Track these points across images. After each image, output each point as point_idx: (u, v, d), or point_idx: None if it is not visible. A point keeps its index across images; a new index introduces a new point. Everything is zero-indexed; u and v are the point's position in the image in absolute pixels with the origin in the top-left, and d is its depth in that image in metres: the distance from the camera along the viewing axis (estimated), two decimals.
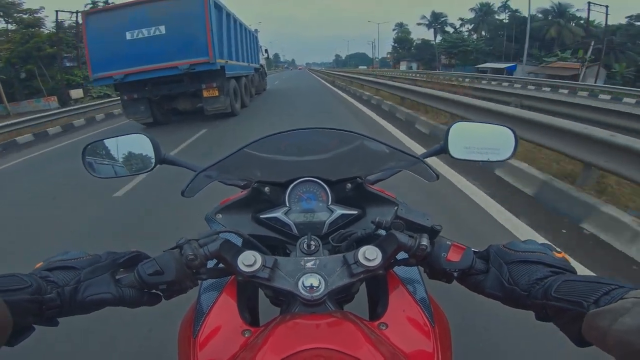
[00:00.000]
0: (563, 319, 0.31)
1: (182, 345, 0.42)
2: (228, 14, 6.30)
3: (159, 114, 6.07)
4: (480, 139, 0.56)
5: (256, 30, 10.34)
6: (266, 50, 12.94)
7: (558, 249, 0.36)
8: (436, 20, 42.05)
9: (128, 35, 5.02)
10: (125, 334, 1.20)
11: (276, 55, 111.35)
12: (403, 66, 45.02)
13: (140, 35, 5.03)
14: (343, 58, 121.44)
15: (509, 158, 0.56)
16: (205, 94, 5.68)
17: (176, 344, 0.44)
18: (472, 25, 38.40)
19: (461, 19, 40.23)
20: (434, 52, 40.31)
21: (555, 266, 0.34)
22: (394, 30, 52.62)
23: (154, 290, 0.38)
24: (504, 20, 35.54)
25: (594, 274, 0.39)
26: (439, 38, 40.99)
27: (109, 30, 5.02)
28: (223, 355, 0.37)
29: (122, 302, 0.36)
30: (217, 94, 5.69)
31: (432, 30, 41.81)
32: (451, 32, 40.67)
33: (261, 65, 11.16)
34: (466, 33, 38.96)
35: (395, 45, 51.07)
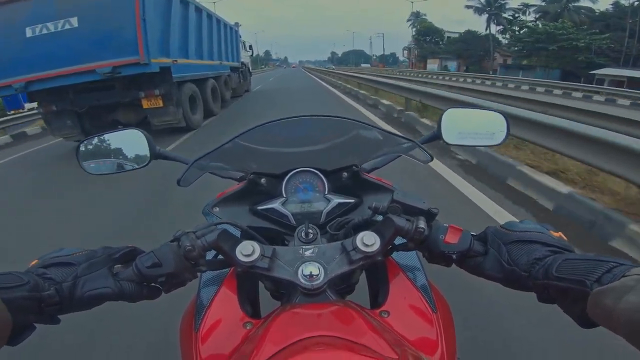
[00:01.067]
0: (566, 299, 0.33)
1: (183, 339, 0.46)
2: (185, 2, 5.36)
3: (94, 129, 4.81)
4: (473, 125, 0.62)
5: (237, 24, 9.47)
6: (250, 47, 12.04)
7: (554, 229, 0.39)
8: (491, 5, 31.87)
9: (28, 32, 3.99)
10: (126, 329, 1.24)
11: (267, 53, 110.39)
12: (433, 65, 35.27)
13: (45, 31, 3.99)
14: (339, 55, 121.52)
15: (501, 142, 0.62)
16: (145, 104, 4.62)
17: (178, 338, 0.47)
18: (539, 13, 29.02)
19: (524, 5, 30.34)
20: (486, 47, 31.23)
21: (554, 245, 0.36)
22: (408, 21, 45.77)
23: (153, 284, 0.40)
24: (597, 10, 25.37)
25: (592, 254, 0.34)
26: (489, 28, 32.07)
27: (1, 27, 4.06)
28: (225, 348, 0.40)
29: (121, 297, 0.39)
30: (161, 104, 4.67)
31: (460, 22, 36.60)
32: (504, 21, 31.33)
33: (243, 64, 10.42)
34: (531, 23, 28.37)
35: (420, 38, 41.11)
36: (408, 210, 0.41)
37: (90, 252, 0.40)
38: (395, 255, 0.48)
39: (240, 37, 9.99)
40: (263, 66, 74.73)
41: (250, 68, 12.48)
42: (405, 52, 49.54)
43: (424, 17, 45.39)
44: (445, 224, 0.41)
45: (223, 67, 7.73)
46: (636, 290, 0.27)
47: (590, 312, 0.30)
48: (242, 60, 10.21)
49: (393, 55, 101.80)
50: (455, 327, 0.46)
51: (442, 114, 0.61)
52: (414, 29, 43.89)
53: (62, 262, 0.38)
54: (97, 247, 0.41)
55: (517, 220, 0.41)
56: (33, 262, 0.38)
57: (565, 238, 0.38)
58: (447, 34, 39.94)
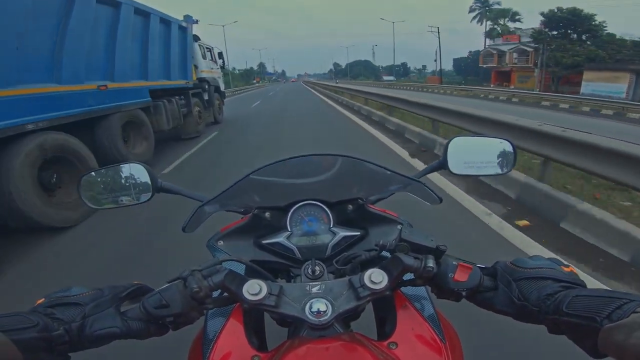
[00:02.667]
0: (577, 333, 0.38)
1: None
2: None
3: None
4: (479, 153, 0.69)
5: (188, 18, 7.00)
6: (220, 55, 9.40)
7: (566, 263, 0.44)
8: None
9: None
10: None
11: (262, 66, 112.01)
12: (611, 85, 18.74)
13: None
14: (343, 67, 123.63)
15: (508, 171, 0.68)
16: None
17: None
18: None
19: None
20: None
21: (565, 280, 0.41)
22: (471, 12, 39.38)
23: (161, 322, 0.46)
24: None
25: (604, 288, 0.42)
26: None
27: None
28: None
29: (129, 335, 0.45)
30: None
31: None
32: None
33: (203, 82, 7.96)
34: None
35: (541, 35, 25.26)
36: (416, 248, 0.46)
37: (97, 292, 0.46)
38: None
39: (195, 40, 7.51)
40: (256, 82, 73.90)
41: (223, 86, 9.93)
42: (496, 55, 32.28)
43: (496, 4, 37.42)
44: (454, 262, 0.46)
45: (132, 95, 4.76)
46: None
47: (602, 347, 0.35)
48: (203, 75, 7.95)
49: (404, 65, 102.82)
50: (464, 357, 0.51)
51: (448, 143, 0.69)
52: (491, 24, 35.18)
53: (69, 302, 0.43)
54: (103, 285, 0.47)
55: (528, 256, 0.46)
56: (39, 301, 0.44)
57: (576, 272, 0.43)
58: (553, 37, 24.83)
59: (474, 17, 40.72)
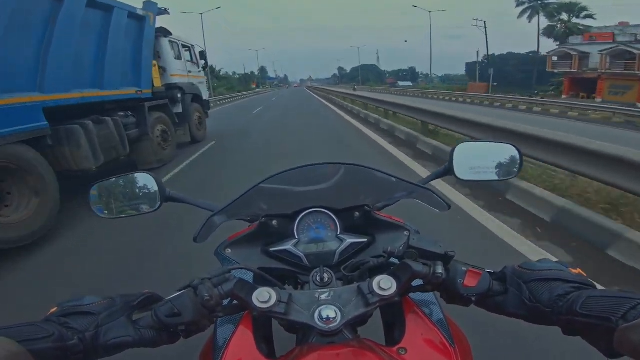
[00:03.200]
0: (592, 334, 0.40)
1: None
2: None
3: None
4: (485, 159, 0.72)
5: (150, 4, 5.40)
6: (202, 54, 7.77)
7: (573, 266, 0.47)
8: None
9: None
10: None
11: (263, 70, 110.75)
12: None
13: None
14: (348, 71, 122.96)
15: (514, 176, 0.72)
16: None
17: None
18: None
19: None
20: None
21: (575, 282, 0.44)
22: (519, 5, 33.50)
23: (172, 330, 0.49)
24: None
25: (616, 289, 0.44)
26: None
27: None
28: None
29: (142, 344, 0.47)
30: None
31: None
32: None
33: (174, 90, 6.37)
34: None
35: None
36: (425, 255, 0.49)
37: (110, 301, 0.48)
38: None
39: (164, 35, 6.12)
40: (257, 87, 73.70)
41: (207, 94, 8.22)
42: (576, 58, 25.04)
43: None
44: (463, 268, 0.49)
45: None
46: None
47: (618, 347, 0.37)
48: (175, 81, 6.41)
49: (412, 70, 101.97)
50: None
51: (453, 148, 0.72)
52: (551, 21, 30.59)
53: (83, 312, 0.46)
54: (115, 294, 0.50)
55: (535, 260, 0.49)
56: (53, 309, 0.46)
57: (584, 274, 0.46)
58: None
59: (523, 13, 34.43)
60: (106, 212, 0.74)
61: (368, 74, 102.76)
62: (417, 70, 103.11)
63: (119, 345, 0.45)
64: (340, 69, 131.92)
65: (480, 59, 41.17)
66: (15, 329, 0.41)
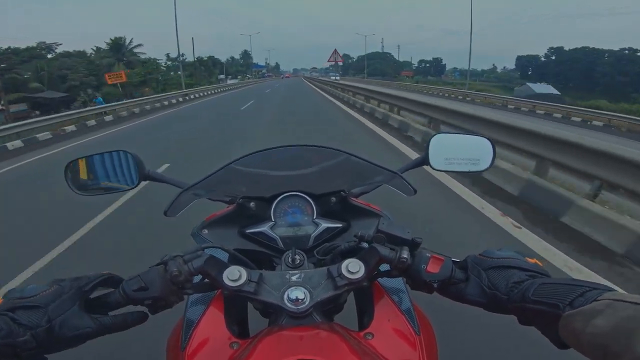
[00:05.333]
0: (541, 321, 0.50)
1: (170, 357, 0.69)
2: None
3: None
4: (460, 150, 0.92)
5: None
6: None
7: (530, 256, 0.60)
8: None
9: None
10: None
11: (246, 55, 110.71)
12: None
13: None
14: (355, 59, 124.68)
15: (487, 168, 0.92)
16: None
17: (164, 356, 0.71)
18: None
19: None
20: None
21: (531, 270, 0.57)
22: None
23: (139, 306, 0.61)
24: None
25: (570, 277, 0.54)
26: None
27: None
28: None
29: (105, 332, 0.57)
30: None
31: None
32: None
33: None
34: None
35: None
36: (393, 240, 0.63)
37: (57, 289, 0.56)
38: (381, 278, 0.71)
39: None
40: (225, 76, 71.93)
41: None
42: None
43: None
44: (427, 254, 0.62)
45: None
46: (604, 314, 0.41)
47: (562, 334, 0.46)
48: None
49: (438, 61, 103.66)
50: (438, 349, 0.70)
51: (430, 139, 0.92)
52: None
53: (28, 305, 0.52)
54: (65, 278, 0.58)
55: (496, 249, 0.63)
56: None
57: (540, 264, 0.59)
58: None
59: None
60: (83, 189, 0.91)
61: (380, 64, 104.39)
62: (443, 62, 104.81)
63: (77, 337, 0.54)
64: (346, 55, 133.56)
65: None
66: None
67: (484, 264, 0.60)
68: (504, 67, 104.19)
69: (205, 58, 69.30)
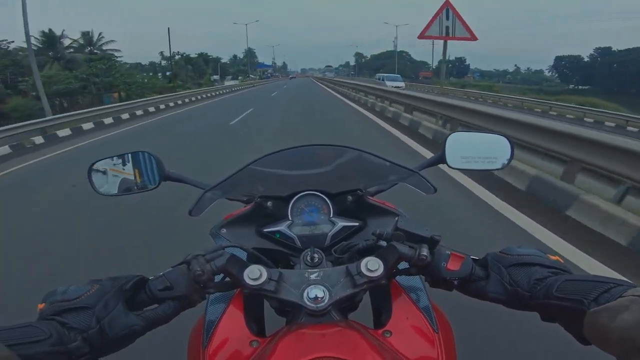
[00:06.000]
0: (565, 317, 0.55)
1: (191, 355, 0.77)
2: None
3: None
4: (476, 148, 1.00)
5: None
6: None
7: (552, 253, 0.66)
8: None
9: None
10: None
11: (250, 54, 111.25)
12: None
13: None
14: (368, 57, 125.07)
15: (505, 166, 1.00)
16: None
17: (185, 354, 0.79)
18: None
19: None
20: None
21: (553, 267, 0.62)
22: None
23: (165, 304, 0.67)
24: None
25: (593, 274, 0.56)
26: None
27: None
28: None
29: (151, 326, 0.63)
30: None
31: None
32: None
33: None
34: None
35: None
36: (411, 238, 0.69)
37: (99, 288, 0.61)
38: (398, 276, 0.77)
39: None
40: (219, 77, 68.98)
41: None
42: None
43: None
44: (447, 251, 0.69)
45: None
46: (631, 310, 0.44)
47: (586, 330, 0.50)
48: None
49: (461, 61, 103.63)
50: (456, 348, 0.77)
51: (446, 138, 1.00)
52: None
53: (77, 307, 0.57)
54: (103, 278, 0.64)
55: (516, 247, 0.68)
56: (40, 306, 0.58)
57: (562, 261, 0.64)
58: None
59: None
60: (106, 189, 1.01)
61: (396, 64, 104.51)
62: (466, 62, 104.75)
63: (128, 336, 0.60)
64: (358, 54, 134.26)
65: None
66: (5, 331, 0.49)
67: (505, 261, 0.65)
68: (528, 68, 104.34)
69: (195, 55, 66.38)
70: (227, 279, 0.70)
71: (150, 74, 54.39)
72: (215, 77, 68.17)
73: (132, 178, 1.01)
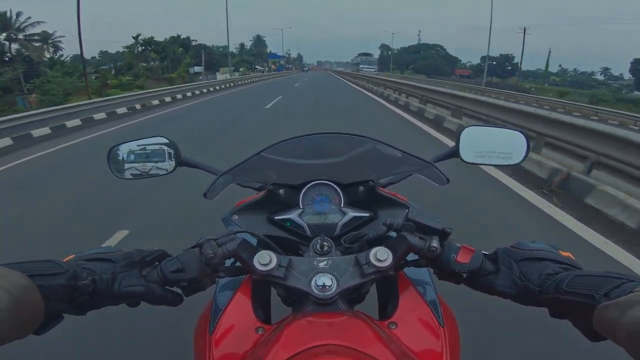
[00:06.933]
0: (575, 313, 0.61)
1: (198, 340, 0.87)
2: None
3: None
4: (492, 143, 1.11)
5: None
6: None
7: (563, 249, 0.73)
8: None
9: None
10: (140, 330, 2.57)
11: (259, 42, 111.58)
12: None
13: None
14: (396, 51, 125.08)
15: (520, 162, 1.11)
16: None
17: (192, 339, 0.90)
18: None
19: None
20: None
21: (564, 262, 0.69)
22: None
23: (174, 288, 0.77)
24: None
25: (603, 270, 0.61)
26: None
27: None
28: (237, 351, 0.76)
29: (149, 297, 0.74)
30: None
31: None
32: None
33: None
34: None
35: None
36: (422, 229, 0.77)
37: (127, 253, 0.76)
38: (406, 269, 0.87)
39: None
40: (203, 69, 59.95)
41: None
42: None
43: None
44: (457, 244, 0.77)
45: None
46: None
47: (596, 325, 0.55)
48: None
49: (508, 59, 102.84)
50: (461, 342, 0.86)
51: (461, 132, 1.12)
52: None
53: (103, 258, 0.73)
54: (132, 249, 0.78)
55: (528, 241, 0.76)
56: (69, 257, 0.72)
57: (573, 258, 0.72)
58: None
59: None
60: (124, 172, 1.17)
61: (428, 59, 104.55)
62: (514, 60, 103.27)
63: (129, 294, 0.72)
64: (384, 47, 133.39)
65: None
66: (29, 263, 0.62)
67: (516, 255, 0.73)
68: (575, 70, 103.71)
69: (167, 39, 60.61)
70: (237, 263, 0.79)
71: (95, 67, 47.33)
72: (197, 69, 61.44)
73: (149, 162, 1.17)
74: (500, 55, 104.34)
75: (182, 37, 67.08)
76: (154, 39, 57.45)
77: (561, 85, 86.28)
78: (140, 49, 55.84)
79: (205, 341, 0.82)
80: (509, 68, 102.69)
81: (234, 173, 1.05)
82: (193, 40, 72.52)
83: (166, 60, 56.73)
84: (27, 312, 0.55)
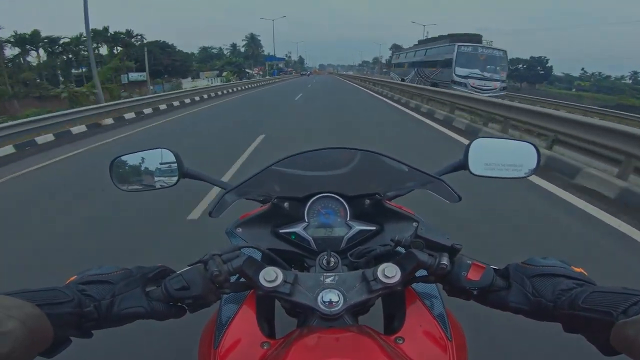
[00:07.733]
0: (591, 329, 0.67)
1: (202, 355, 0.95)
2: None
3: None
4: (501, 156, 1.21)
5: None
6: None
7: (575, 265, 0.80)
8: None
9: None
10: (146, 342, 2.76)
11: (253, 42, 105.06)
12: None
13: None
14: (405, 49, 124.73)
15: (530, 174, 1.19)
16: None
17: (196, 354, 0.98)
18: None
19: None
20: None
21: (577, 278, 0.76)
22: None
23: (179, 304, 0.84)
24: None
25: (620, 286, 0.67)
26: None
27: None
28: None
29: (152, 316, 0.81)
30: None
31: None
32: None
33: None
34: None
35: None
36: (431, 246, 0.84)
37: (127, 272, 0.82)
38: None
39: None
40: (134, 78, 50.22)
41: None
42: None
43: None
44: (468, 261, 0.83)
45: None
46: None
47: (614, 342, 0.61)
48: None
49: (539, 62, 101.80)
50: (468, 356, 0.93)
51: (469, 143, 1.20)
52: None
53: (101, 280, 0.79)
54: (132, 266, 0.85)
55: (540, 257, 0.83)
56: (72, 278, 0.79)
57: (586, 274, 0.79)
58: None
59: None
60: (126, 184, 1.26)
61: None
62: (548, 64, 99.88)
63: (130, 315, 0.78)
64: (396, 47, 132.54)
65: None
66: (36, 292, 0.69)
67: (528, 271, 0.80)
68: (599, 73, 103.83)
69: (77, 36, 48.93)
70: (242, 279, 0.85)
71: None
72: (138, 75, 51.83)
73: (151, 175, 1.26)
74: (531, 57, 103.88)
75: (117, 32, 54.16)
76: (54, 35, 47.34)
77: (589, 90, 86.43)
78: (12, 50, 46.33)
79: (210, 356, 0.88)
80: (542, 72, 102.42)
81: (239, 189, 1.12)
82: (137, 35, 60.82)
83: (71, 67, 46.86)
84: (38, 338, 0.63)
